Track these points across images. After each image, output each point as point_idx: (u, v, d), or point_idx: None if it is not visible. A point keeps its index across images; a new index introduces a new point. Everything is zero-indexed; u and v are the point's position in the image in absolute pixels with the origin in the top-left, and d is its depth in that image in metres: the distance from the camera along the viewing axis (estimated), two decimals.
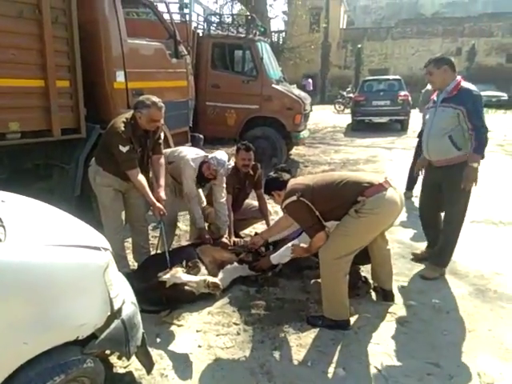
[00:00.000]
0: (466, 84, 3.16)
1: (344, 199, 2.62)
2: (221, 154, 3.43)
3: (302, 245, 3.00)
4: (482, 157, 3.03)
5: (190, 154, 3.55)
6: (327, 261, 2.65)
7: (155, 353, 2.41)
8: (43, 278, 1.57)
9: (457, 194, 3.20)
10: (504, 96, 20.29)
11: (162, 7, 5.42)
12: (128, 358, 2.00)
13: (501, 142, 9.95)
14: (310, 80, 21.06)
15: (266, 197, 4.13)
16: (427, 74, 3.28)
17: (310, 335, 2.65)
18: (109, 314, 1.80)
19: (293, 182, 2.83)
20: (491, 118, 14.92)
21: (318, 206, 2.63)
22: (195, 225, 3.69)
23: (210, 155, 3.45)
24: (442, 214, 3.49)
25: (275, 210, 4.90)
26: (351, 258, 2.66)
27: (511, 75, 22.79)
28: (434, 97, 3.41)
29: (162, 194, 3.07)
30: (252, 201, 4.35)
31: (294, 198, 2.64)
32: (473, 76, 22.95)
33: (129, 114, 3.05)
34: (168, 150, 3.84)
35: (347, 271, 2.67)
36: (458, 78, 3.20)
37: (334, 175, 2.88)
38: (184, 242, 4.11)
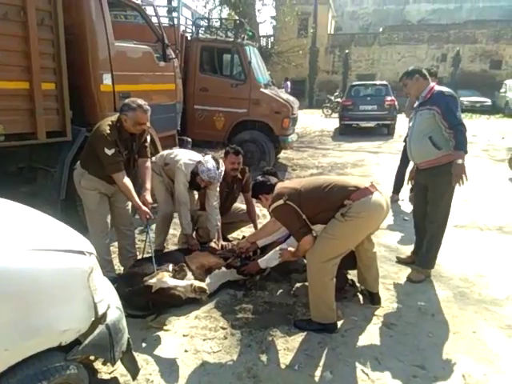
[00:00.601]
0: (438, 87, 3.30)
1: (331, 203, 2.64)
2: (210, 164, 3.36)
3: (289, 248, 3.00)
4: (466, 152, 3.08)
5: (184, 158, 3.53)
6: (314, 264, 2.66)
7: (141, 358, 2.38)
8: (25, 283, 1.54)
9: (438, 194, 3.28)
10: (488, 102, 20.68)
11: (150, 10, 5.42)
12: (113, 364, 1.97)
13: (485, 147, 10.13)
14: (289, 82, 21.23)
15: (253, 200, 4.14)
16: (403, 86, 3.45)
17: (297, 339, 2.65)
18: (93, 319, 1.78)
19: (280, 186, 2.83)
20: (475, 123, 15.22)
21: (305, 209, 2.64)
22: (182, 230, 3.67)
23: (199, 166, 3.39)
24: None
25: (263, 213, 4.90)
26: (338, 261, 2.67)
27: (495, 81, 23.24)
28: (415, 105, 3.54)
29: (148, 198, 3.04)
30: (240, 204, 4.34)
31: (281, 201, 2.64)
32: (457, 82, 23.46)
33: (115, 116, 3.02)
34: (165, 152, 3.84)
35: (334, 274, 2.68)
36: (432, 84, 3.35)
37: (320, 179, 2.89)
38: (171, 246, 4.08)
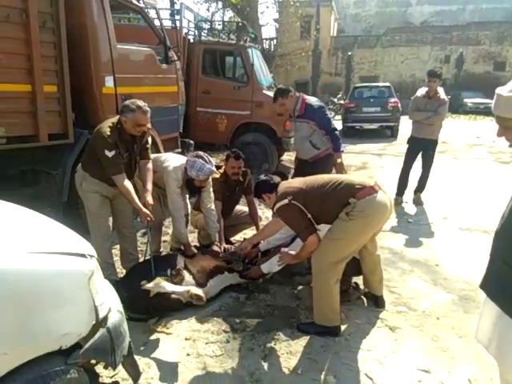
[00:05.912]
0: (308, 100, 3.93)
1: (335, 201, 2.61)
2: (198, 164, 3.26)
3: (290, 252, 2.97)
4: (342, 151, 3.95)
5: (172, 164, 3.43)
6: (320, 266, 2.63)
7: (142, 362, 2.37)
8: (25, 286, 1.52)
9: None
10: (491, 103, 20.56)
11: (153, 13, 5.42)
12: (114, 368, 1.95)
13: (490, 150, 10.07)
14: None
15: (256, 202, 4.12)
16: (280, 106, 3.91)
17: (300, 342, 2.62)
18: (94, 322, 1.75)
19: (285, 185, 2.81)
20: (479, 124, 15.11)
21: (309, 208, 2.62)
22: (179, 240, 3.59)
23: (189, 172, 3.30)
24: None
25: (266, 215, 4.88)
26: (343, 265, 2.65)
27: (499, 82, 22.84)
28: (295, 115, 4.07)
29: (149, 199, 3.02)
30: (242, 206, 4.32)
31: (286, 201, 2.62)
32: (461, 83, 23.38)
33: (115, 118, 3.01)
34: (153, 156, 3.78)
35: (339, 278, 2.66)
36: (301, 95, 3.93)
37: (325, 177, 2.86)
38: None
